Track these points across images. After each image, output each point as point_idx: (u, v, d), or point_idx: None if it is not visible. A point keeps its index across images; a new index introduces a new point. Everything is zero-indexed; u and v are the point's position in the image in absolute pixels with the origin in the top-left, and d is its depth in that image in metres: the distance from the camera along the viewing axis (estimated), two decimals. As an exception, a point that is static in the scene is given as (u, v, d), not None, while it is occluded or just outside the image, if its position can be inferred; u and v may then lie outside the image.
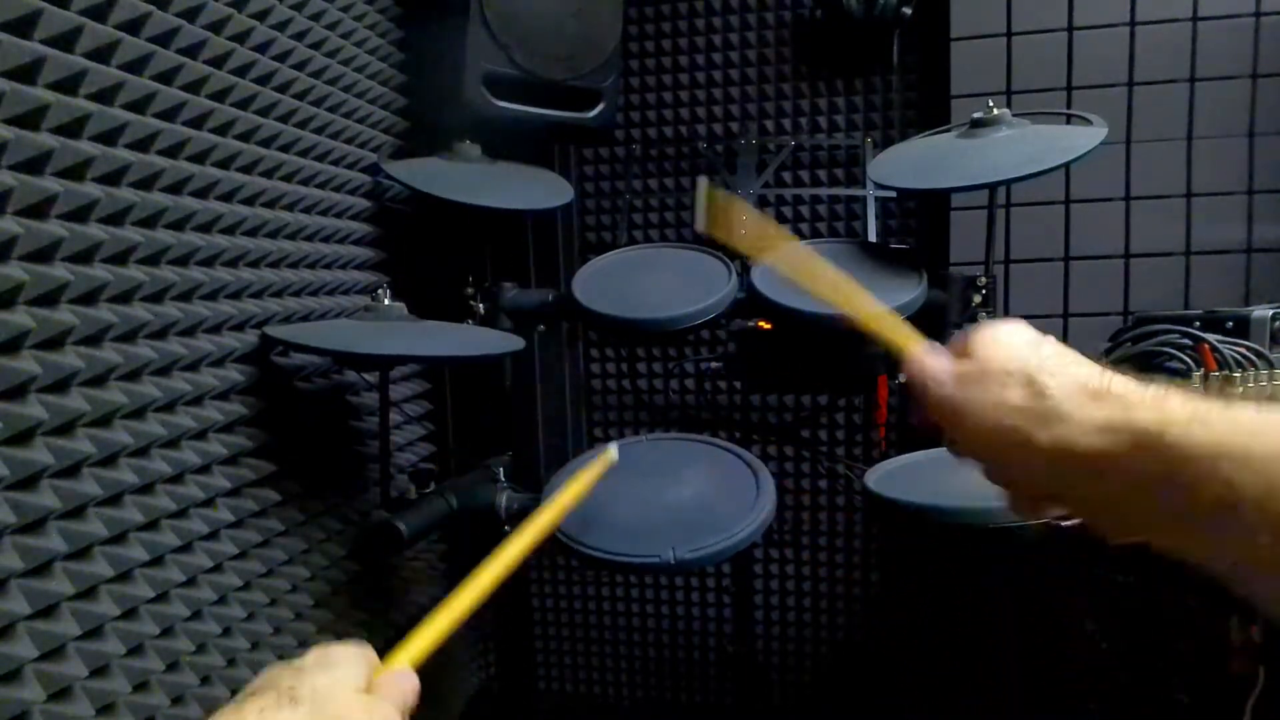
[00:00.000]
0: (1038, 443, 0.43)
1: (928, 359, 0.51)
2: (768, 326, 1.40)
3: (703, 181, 0.93)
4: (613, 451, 0.96)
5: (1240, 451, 0.37)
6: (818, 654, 2.03)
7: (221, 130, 1.13)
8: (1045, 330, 0.48)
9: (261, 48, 1.21)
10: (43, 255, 0.84)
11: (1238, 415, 0.38)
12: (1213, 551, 0.39)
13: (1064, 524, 0.93)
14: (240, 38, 1.16)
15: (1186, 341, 1.04)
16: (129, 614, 0.93)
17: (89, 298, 0.90)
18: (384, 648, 0.53)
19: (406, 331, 1.28)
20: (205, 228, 1.11)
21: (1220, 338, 1.03)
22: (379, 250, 1.61)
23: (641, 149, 1.98)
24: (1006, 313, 1.71)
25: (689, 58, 1.94)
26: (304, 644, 1.25)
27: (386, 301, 1.29)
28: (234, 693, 1.24)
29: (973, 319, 1.36)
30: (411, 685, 0.52)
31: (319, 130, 1.38)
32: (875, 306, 0.59)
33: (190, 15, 1.05)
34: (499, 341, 1.36)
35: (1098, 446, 0.41)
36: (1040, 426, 0.43)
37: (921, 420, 0.52)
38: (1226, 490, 0.37)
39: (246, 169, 1.20)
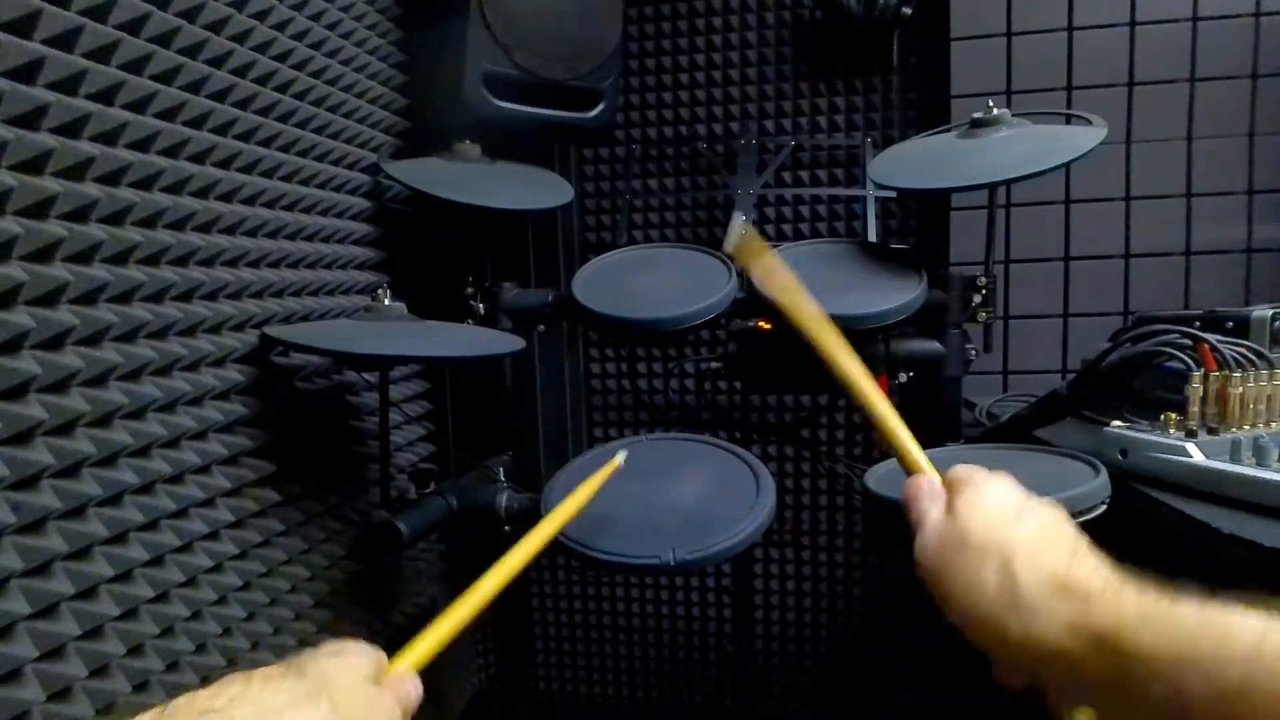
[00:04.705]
0: (1010, 631, 0.45)
1: (924, 499, 0.55)
2: (768, 326, 1.39)
3: (739, 218, 0.93)
4: (620, 458, 0.96)
5: (1188, 656, 0.39)
6: (818, 654, 2.03)
7: (221, 130, 1.13)
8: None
9: (261, 48, 1.21)
10: (43, 255, 0.84)
11: (1182, 617, 0.40)
12: None
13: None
14: (240, 38, 1.16)
15: (1186, 341, 1.04)
16: (129, 614, 0.92)
17: (89, 298, 0.90)
18: (384, 648, 0.54)
19: (406, 331, 1.28)
20: (205, 228, 1.11)
21: (1220, 338, 1.02)
22: (379, 250, 1.61)
23: (641, 149, 1.98)
24: (1007, 312, 1.71)
25: (689, 58, 1.94)
26: (304, 644, 1.25)
27: (386, 301, 1.29)
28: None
29: (973, 318, 1.36)
30: (416, 689, 0.54)
31: (319, 130, 1.38)
32: (892, 411, 0.61)
33: (190, 15, 1.05)
34: (499, 341, 1.36)
35: (1064, 645, 0.43)
36: (1012, 615, 0.46)
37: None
38: (1176, 696, 0.39)
39: (246, 169, 1.20)
